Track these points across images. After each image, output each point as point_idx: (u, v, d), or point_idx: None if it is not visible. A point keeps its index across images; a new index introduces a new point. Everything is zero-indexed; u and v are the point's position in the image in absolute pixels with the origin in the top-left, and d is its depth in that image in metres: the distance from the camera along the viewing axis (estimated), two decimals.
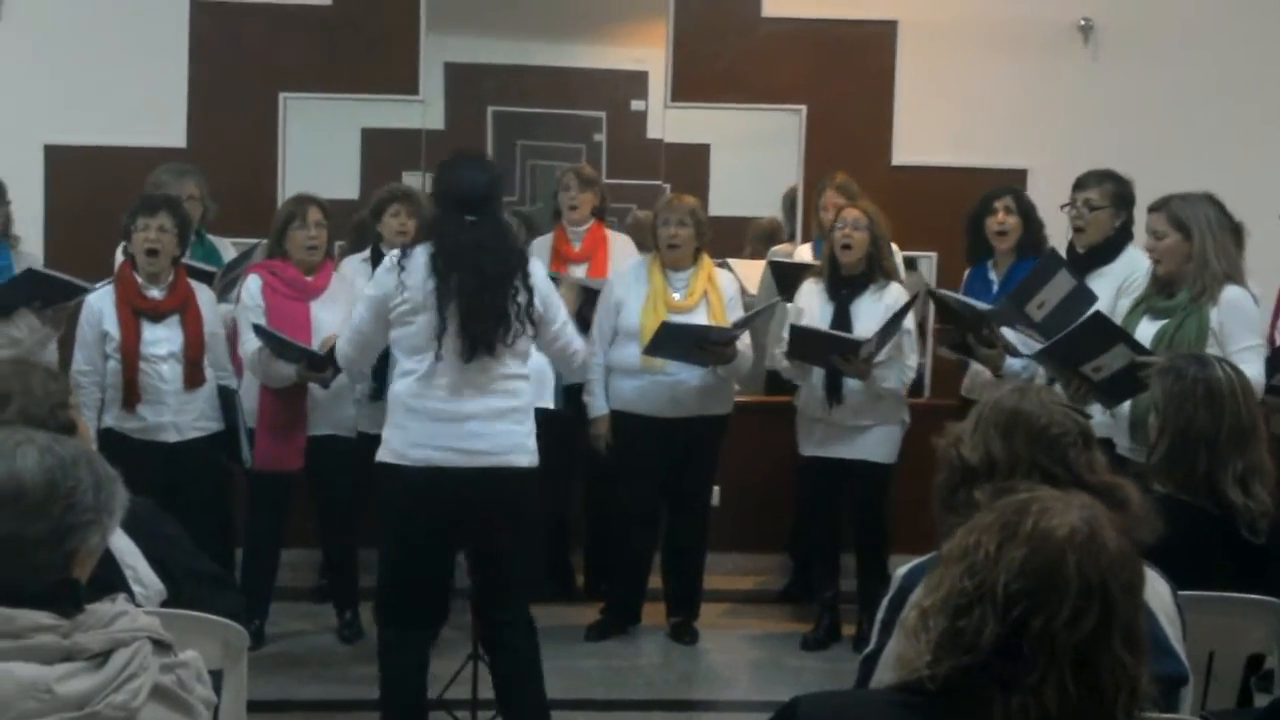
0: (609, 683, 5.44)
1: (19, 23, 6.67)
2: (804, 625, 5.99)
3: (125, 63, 6.68)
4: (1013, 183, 6.22)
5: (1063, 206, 5.42)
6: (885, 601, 2.68)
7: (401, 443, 4.23)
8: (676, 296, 5.74)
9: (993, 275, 5.81)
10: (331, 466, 5.47)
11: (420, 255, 4.23)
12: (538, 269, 4.40)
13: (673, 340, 5.52)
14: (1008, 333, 5.27)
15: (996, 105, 6.84)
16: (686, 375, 5.68)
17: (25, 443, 2.16)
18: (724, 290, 5.81)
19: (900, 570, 2.70)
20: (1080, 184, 5.35)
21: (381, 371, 5.23)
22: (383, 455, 4.29)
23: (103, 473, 2.21)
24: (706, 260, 5.83)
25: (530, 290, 4.26)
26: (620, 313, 5.75)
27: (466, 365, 4.17)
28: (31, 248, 6.01)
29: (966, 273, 5.97)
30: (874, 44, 6.87)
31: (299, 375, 5.30)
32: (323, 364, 5.23)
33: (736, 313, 5.81)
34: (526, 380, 4.35)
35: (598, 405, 5.80)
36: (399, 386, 4.28)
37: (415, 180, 6.79)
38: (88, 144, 6.62)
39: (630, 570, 5.97)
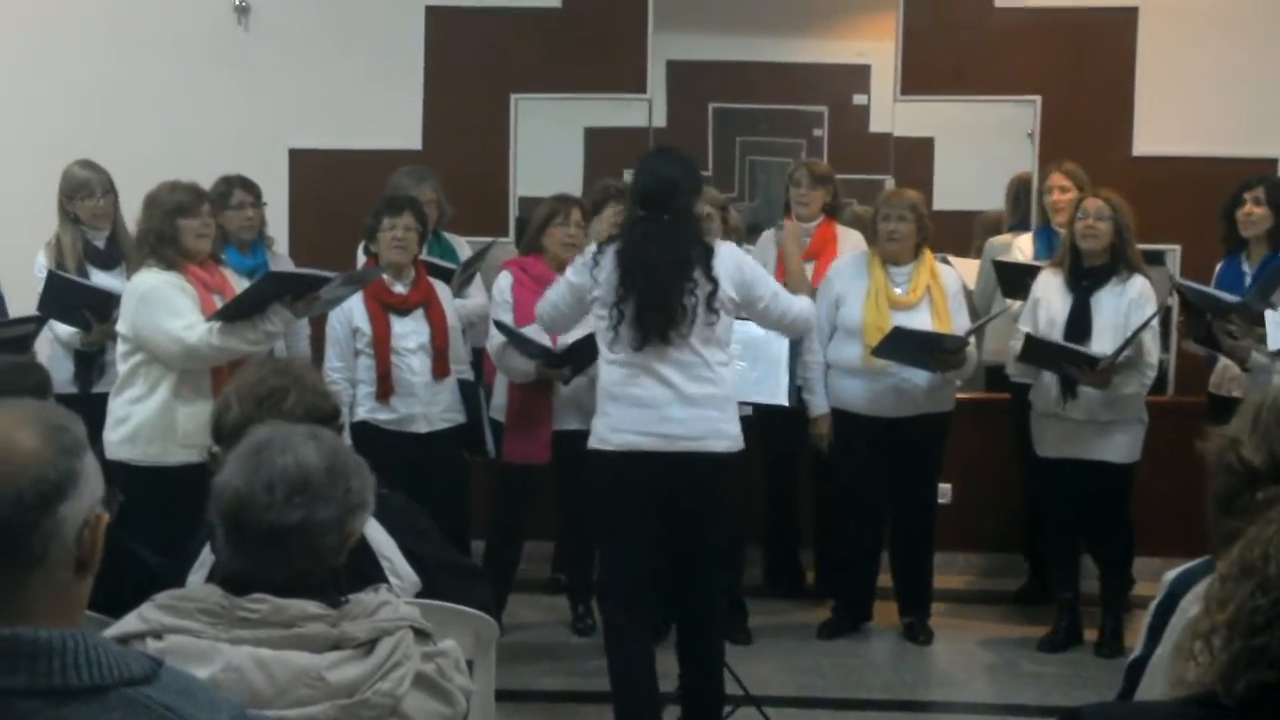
0: (843, 682, 5.37)
1: (264, 32, 6.91)
2: (1040, 627, 5.83)
3: (364, 68, 6.87)
4: (1262, 172, 5.96)
5: None
6: (1153, 606, 2.58)
7: (604, 428, 4.43)
8: (898, 292, 5.63)
9: (1246, 267, 5.58)
10: (575, 460, 5.52)
11: (610, 251, 4.42)
12: (728, 255, 4.44)
13: (903, 345, 5.42)
14: (1270, 319, 5.03)
15: (1244, 92, 6.57)
16: (910, 374, 5.57)
17: (298, 433, 2.24)
18: (947, 286, 5.68)
19: (1169, 575, 2.60)
20: None
21: None
22: (591, 442, 4.49)
23: (357, 457, 2.31)
24: (929, 255, 5.71)
25: (714, 281, 4.33)
26: (840, 309, 5.64)
27: (651, 354, 4.33)
28: (280, 249, 6.24)
29: (1220, 264, 5.75)
30: (1113, 31, 6.66)
31: (537, 372, 5.38)
32: (560, 361, 5.30)
33: (961, 309, 5.69)
34: (726, 367, 4.45)
35: (818, 404, 5.73)
36: (602, 375, 4.49)
37: None
38: (329, 147, 6.83)
39: (857, 568, 5.89)
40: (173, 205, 4.72)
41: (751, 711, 4.78)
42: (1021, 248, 6.30)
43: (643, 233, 4.37)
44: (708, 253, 4.38)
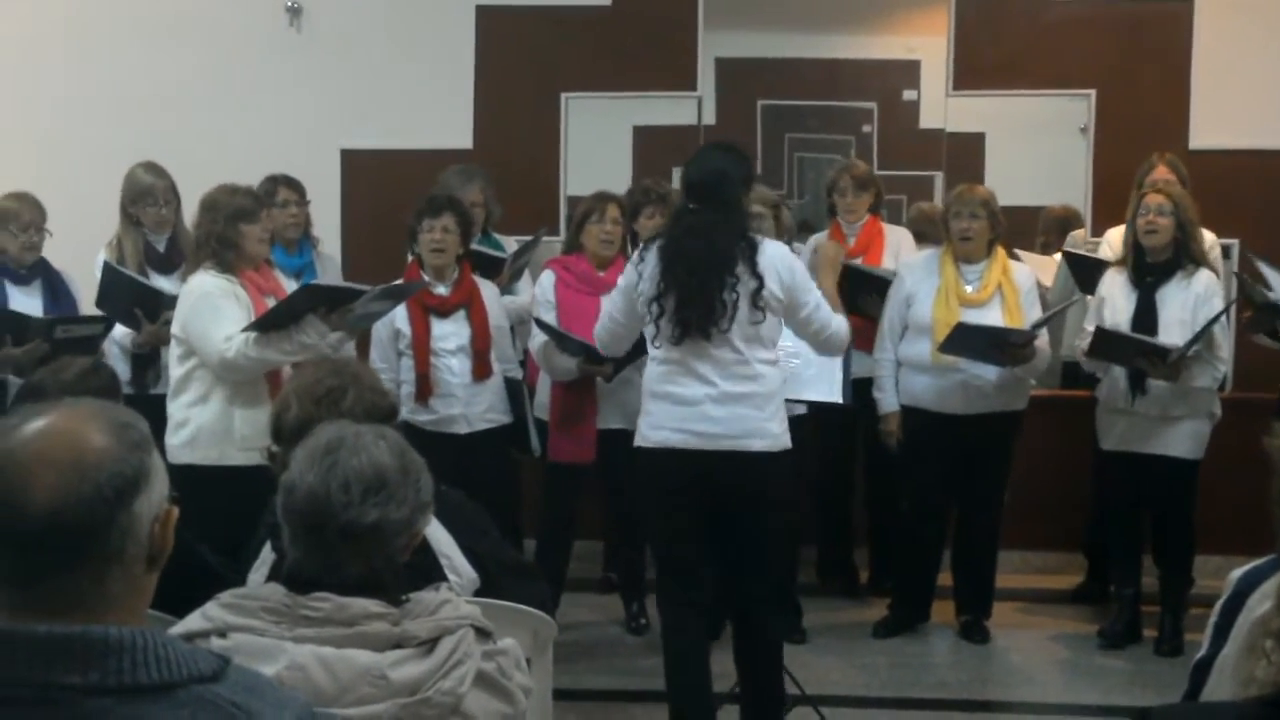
0: (900, 681, 5.33)
1: (316, 33, 6.96)
2: (1099, 625, 5.77)
3: (415, 69, 6.90)
4: None
5: None
6: (1219, 605, 2.55)
7: (646, 426, 4.40)
8: (969, 289, 5.57)
9: None
10: (621, 459, 5.51)
11: (654, 246, 4.37)
12: (775, 252, 4.34)
13: (969, 340, 5.37)
14: None
15: None
16: (982, 370, 5.50)
17: (367, 432, 2.25)
18: (1019, 283, 5.61)
19: (1235, 573, 2.57)
20: None
21: None
22: (636, 440, 4.46)
23: (419, 456, 2.31)
24: (1000, 253, 5.65)
25: (759, 277, 4.24)
26: (911, 307, 5.61)
27: (691, 350, 4.26)
28: (331, 248, 6.27)
29: None
30: (1169, 23, 6.60)
31: (579, 369, 5.38)
32: (601, 357, 5.29)
33: (1033, 306, 5.62)
34: (772, 365, 4.36)
35: (888, 402, 5.68)
36: (646, 373, 4.47)
37: None
38: (381, 147, 6.86)
39: (918, 566, 5.85)
40: (234, 209, 4.68)
41: (808, 711, 4.76)
42: (1111, 242, 6.17)
43: (687, 227, 4.30)
44: (752, 248, 4.28)
